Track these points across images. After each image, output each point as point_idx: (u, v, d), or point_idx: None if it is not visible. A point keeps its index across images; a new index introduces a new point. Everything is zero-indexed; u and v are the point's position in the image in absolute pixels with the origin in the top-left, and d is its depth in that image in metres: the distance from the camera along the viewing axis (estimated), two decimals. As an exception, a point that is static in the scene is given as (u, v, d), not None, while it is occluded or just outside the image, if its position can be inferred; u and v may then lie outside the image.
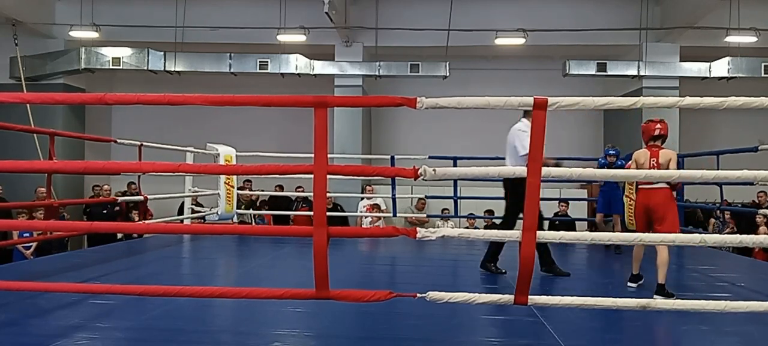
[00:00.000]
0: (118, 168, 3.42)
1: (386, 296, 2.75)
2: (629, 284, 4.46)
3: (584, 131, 12.88)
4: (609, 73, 11.00)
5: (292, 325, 3.24)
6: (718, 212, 8.38)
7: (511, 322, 3.29)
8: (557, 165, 4.53)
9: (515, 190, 4.75)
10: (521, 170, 2.65)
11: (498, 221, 5.95)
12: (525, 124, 4.79)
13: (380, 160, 10.82)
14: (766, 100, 2.61)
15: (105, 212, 9.66)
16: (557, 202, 9.85)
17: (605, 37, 10.91)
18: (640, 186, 4.36)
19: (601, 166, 6.74)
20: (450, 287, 2.83)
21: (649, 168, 4.18)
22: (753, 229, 8.15)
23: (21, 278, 4.06)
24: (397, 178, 7.60)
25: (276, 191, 10.70)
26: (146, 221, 7.65)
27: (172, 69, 11.09)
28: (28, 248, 7.36)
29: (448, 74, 11.00)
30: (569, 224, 9.47)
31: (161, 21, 10.99)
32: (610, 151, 6.78)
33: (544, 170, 2.59)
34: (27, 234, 6.35)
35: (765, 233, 7.87)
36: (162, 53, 11.06)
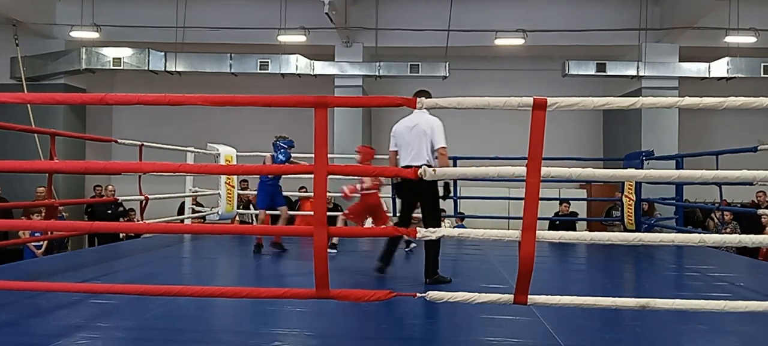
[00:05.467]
0: (119, 168, 3.42)
1: (386, 296, 2.76)
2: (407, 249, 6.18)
3: (584, 131, 12.88)
4: (608, 73, 11.01)
5: (292, 325, 3.24)
6: (717, 212, 8.37)
7: (510, 322, 3.29)
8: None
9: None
10: (521, 170, 2.65)
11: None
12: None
13: (380, 160, 10.82)
14: (765, 100, 2.61)
15: (109, 212, 9.68)
16: (557, 202, 9.85)
17: (605, 37, 10.91)
18: (362, 192, 5.91)
19: (287, 160, 6.11)
20: (450, 287, 2.83)
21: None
22: (753, 229, 8.13)
23: (21, 278, 4.06)
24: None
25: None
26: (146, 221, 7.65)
27: (173, 69, 11.10)
28: (39, 247, 7.39)
29: (448, 74, 11.01)
30: (569, 224, 9.47)
31: (162, 21, 11.00)
32: (290, 142, 6.19)
33: (544, 171, 2.59)
34: (38, 233, 6.35)
35: None
36: (162, 53, 11.07)
